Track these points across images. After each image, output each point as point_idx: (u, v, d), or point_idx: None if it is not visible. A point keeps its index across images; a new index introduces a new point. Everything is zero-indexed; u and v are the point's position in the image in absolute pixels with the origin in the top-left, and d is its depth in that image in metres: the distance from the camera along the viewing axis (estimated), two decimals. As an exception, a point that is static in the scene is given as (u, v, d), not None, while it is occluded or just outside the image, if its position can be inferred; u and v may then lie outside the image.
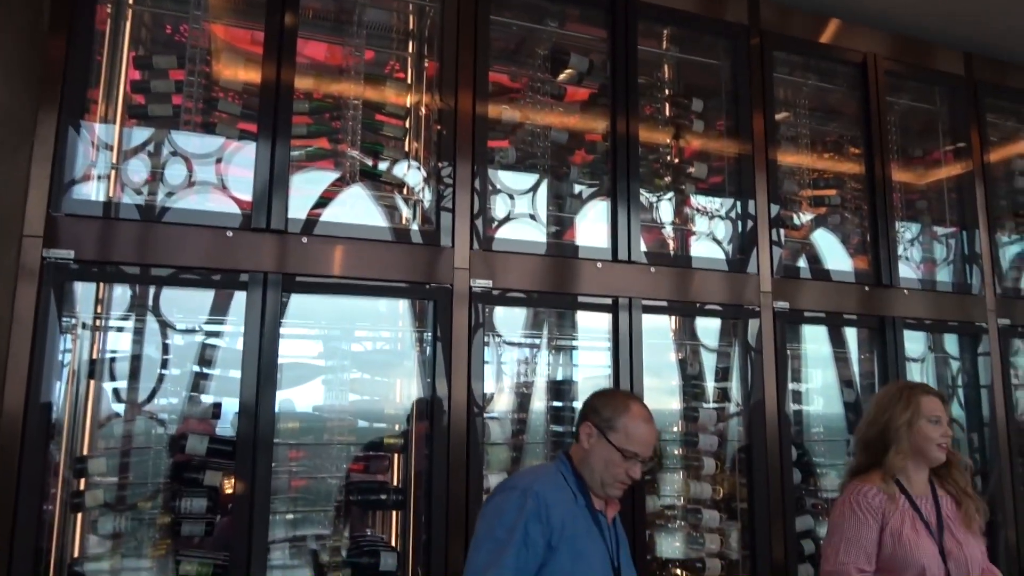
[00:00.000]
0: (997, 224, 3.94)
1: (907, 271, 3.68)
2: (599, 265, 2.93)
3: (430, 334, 2.72)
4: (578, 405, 3.15)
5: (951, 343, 3.85)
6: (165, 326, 2.66)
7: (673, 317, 3.40)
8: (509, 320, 3.14)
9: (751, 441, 3.13)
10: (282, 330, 2.55)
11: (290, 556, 2.71)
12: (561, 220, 3.17)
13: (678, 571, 3.12)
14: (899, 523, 2.03)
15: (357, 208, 2.84)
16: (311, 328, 2.90)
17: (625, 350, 2.91)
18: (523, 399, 3.20)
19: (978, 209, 3.85)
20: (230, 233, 2.46)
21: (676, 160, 3.39)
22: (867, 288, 3.46)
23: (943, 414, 2.12)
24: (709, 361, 3.44)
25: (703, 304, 3.15)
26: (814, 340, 3.72)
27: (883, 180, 3.57)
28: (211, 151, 2.64)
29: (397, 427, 2.85)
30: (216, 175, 2.64)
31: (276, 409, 2.45)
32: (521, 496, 1.71)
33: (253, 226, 2.49)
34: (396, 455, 2.83)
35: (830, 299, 3.41)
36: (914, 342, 3.77)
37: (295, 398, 2.82)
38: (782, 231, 3.35)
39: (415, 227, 2.83)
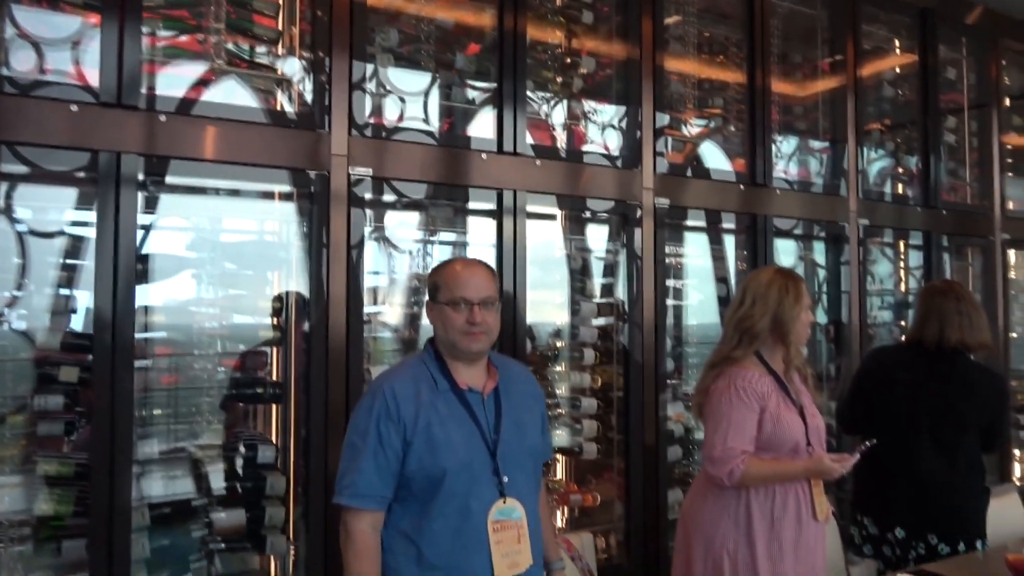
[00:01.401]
0: (865, 134, 4.15)
1: (782, 178, 3.84)
2: (484, 156, 2.87)
3: (307, 226, 2.61)
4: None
5: (819, 252, 4.10)
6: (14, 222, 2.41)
7: (561, 213, 3.41)
8: (396, 218, 3.07)
9: (630, 333, 3.26)
10: (144, 219, 2.36)
11: (165, 457, 2.63)
12: (454, 128, 3.07)
13: (558, 455, 3.27)
14: (775, 405, 2.14)
15: (226, 90, 2.62)
16: (178, 217, 2.71)
17: (509, 243, 2.91)
18: (410, 295, 3.18)
19: (848, 120, 4.03)
20: (75, 107, 2.21)
21: (567, 59, 3.33)
22: (743, 187, 3.59)
23: (811, 302, 2.25)
24: (595, 259, 3.52)
25: (587, 198, 3.17)
26: (694, 244, 3.87)
27: (763, 80, 3.66)
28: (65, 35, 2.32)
29: (276, 321, 2.76)
30: (71, 62, 2.33)
31: (136, 302, 2.30)
32: (371, 398, 1.72)
33: (103, 100, 2.24)
34: (274, 350, 2.76)
35: (709, 197, 3.53)
36: (786, 253, 4.00)
37: (162, 292, 2.65)
38: (669, 139, 3.42)
39: (290, 110, 2.65)
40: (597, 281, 3.50)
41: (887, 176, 4.50)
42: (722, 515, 2.12)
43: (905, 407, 2.51)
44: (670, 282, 3.57)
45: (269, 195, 2.75)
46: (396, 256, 3.09)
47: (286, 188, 2.67)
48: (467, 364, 1.78)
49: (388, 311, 3.05)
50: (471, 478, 1.67)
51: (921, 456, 2.47)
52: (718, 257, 3.98)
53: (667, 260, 3.45)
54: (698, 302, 3.92)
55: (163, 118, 2.33)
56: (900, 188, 4.50)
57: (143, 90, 2.32)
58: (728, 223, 3.79)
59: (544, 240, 3.32)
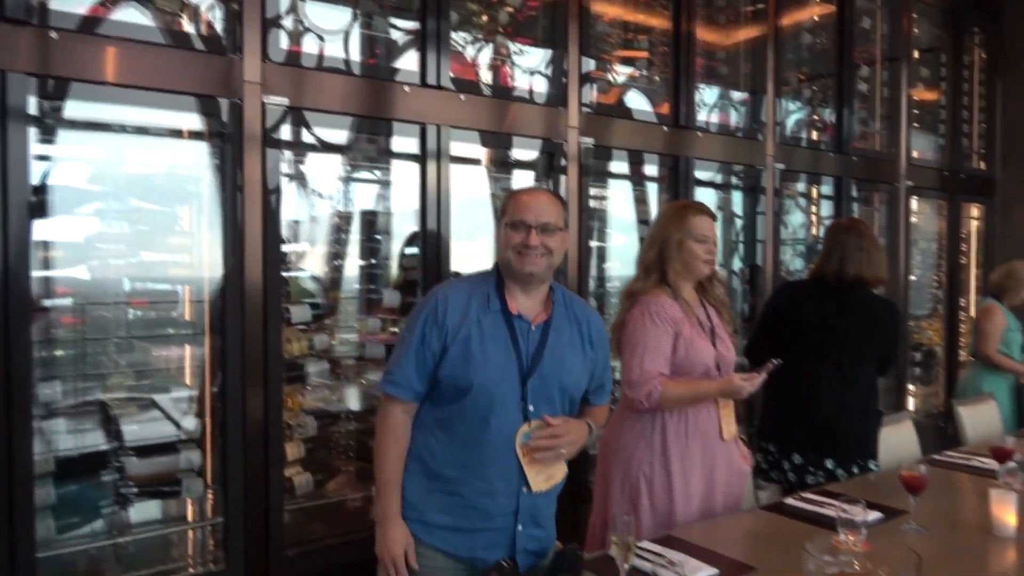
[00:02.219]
0: (783, 83, 4.24)
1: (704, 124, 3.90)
2: (407, 89, 2.78)
3: (219, 160, 2.48)
4: (394, 237, 3.16)
5: (738, 204, 4.20)
6: None
7: (486, 155, 3.36)
8: (316, 159, 2.96)
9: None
10: (43, 150, 2.18)
11: (71, 402, 2.49)
12: (377, 63, 2.95)
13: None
14: (688, 331, 2.20)
15: (129, 16, 2.43)
16: (79, 147, 2.52)
17: (433, 185, 2.85)
18: (332, 234, 3.10)
19: (768, 68, 4.10)
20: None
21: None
22: (666, 129, 3.62)
23: (710, 233, 2.24)
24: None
25: (512, 135, 3.13)
26: (618, 189, 3.90)
27: (688, 25, 3.67)
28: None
29: (188, 259, 2.63)
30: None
31: (33, 237, 2.14)
32: (427, 300, 1.80)
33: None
34: (186, 289, 2.64)
35: (633, 138, 3.54)
36: (706, 202, 4.08)
37: (61, 226, 2.48)
38: (594, 83, 3.40)
39: (196, 33, 2.48)
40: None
41: (803, 125, 4.63)
42: (639, 440, 2.19)
43: (809, 338, 2.62)
44: (594, 224, 3.61)
45: (178, 132, 2.58)
46: (315, 197, 3.00)
47: (197, 122, 2.51)
48: (523, 290, 1.81)
49: (308, 252, 2.96)
50: (497, 397, 1.73)
51: (824, 385, 2.59)
52: (640, 200, 4.04)
53: (591, 204, 3.47)
54: (622, 245, 3.99)
55: (55, 35, 2.14)
56: (815, 135, 4.64)
57: (34, 2, 2.12)
58: (651, 169, 3.84)
59: (470, 185, 3.26)
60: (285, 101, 2.49)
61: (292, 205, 2.89)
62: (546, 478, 1.79)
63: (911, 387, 5.23)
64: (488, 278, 1.83)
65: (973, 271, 5.65)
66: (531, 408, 1.75)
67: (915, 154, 5.11)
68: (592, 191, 3.48)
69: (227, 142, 2.44)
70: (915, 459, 2.76)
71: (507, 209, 1.81)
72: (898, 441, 2.77)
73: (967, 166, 5.51)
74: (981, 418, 3.37)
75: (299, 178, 2.92)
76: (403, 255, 3.18)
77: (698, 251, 2.21)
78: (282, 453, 2.65)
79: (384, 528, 1.75)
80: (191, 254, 2.61)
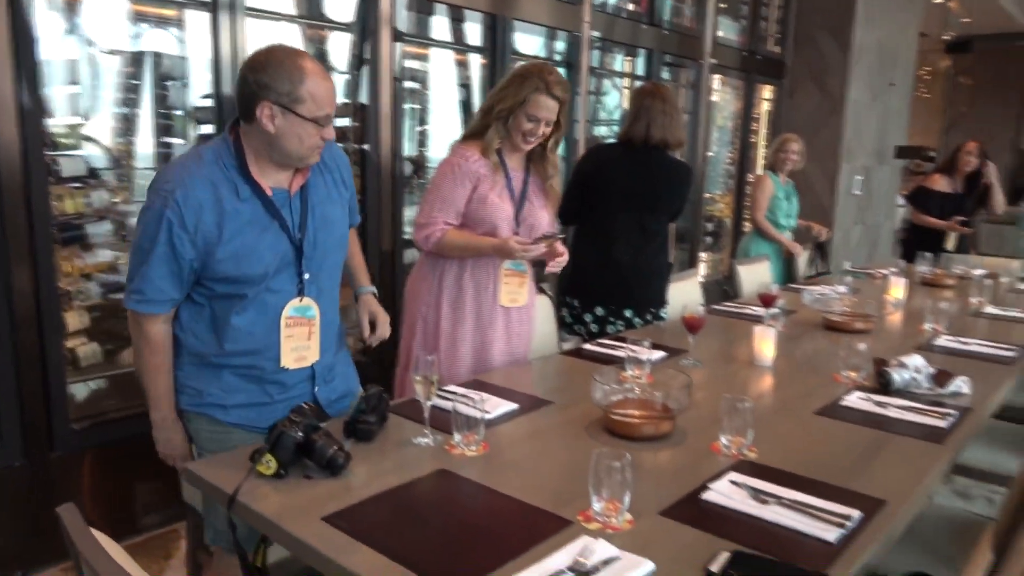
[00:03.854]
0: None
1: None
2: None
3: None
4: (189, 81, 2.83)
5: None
6: None
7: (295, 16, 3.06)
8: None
9: (368, 142, 3.16)
10: None
11: None
12: None
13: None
14: (488, 189, 2.21)
15: None
16: None
17: (227, 38, 2.57)
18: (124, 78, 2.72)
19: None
20: None
21: None
22: (485, -14, 3.48)
23: (547, 115, 2.16)
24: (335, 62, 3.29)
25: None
26: (437, 54, 3.75)
27: None
28: None
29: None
30: None
31: None
32: (161, 202, 1.51)
33: None
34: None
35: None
36: None
37: None
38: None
39: None
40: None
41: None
42: (423, 283, 2.29)
43: (615, 197, 2.75)
44: (410, 84, 3.47)
45: None
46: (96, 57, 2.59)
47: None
48: (279, 166, 1.61)
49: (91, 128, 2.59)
50: (274, 282, 1.62)
51: (626, 240, 2.76)
52: (461, 63, 3.93)
53: (408, 63, 3.33)
54: (440, 109, 3.89)
55: None
56: (631, 7, 4.70)
57: None
58: (473, 25, 3.71)
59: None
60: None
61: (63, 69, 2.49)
62: (297, 358, 1.69)
63: (702, 255, 5.74)
64: (224, 157, 1.57)
65: (761, 149, 6.17)
66: (306, 276, 1.67)
67: (720, 33, 5.36)
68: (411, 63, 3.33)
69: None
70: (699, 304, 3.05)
71: (304, 95, 1.51)
72: (685, 296, 3.03)
73: (763, 48, 5.89)
74: (756, 275, 3.77)
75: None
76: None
77: (524, 126, 2.17)
78: (60, 323, 2.40)
79: (161, 434, 1.69)
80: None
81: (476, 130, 2.25)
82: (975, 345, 2.49)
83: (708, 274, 5.75)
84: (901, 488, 1.39)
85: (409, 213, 3.49)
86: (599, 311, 2.81)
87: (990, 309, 3.12)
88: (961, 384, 1.97)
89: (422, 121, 3.74)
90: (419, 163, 3.64)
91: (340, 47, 3.26)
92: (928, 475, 1.47)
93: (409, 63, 3.49)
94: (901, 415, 1.79)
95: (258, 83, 1.50)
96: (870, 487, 1.38)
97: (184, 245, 1.52)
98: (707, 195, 5.68)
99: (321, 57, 3.22)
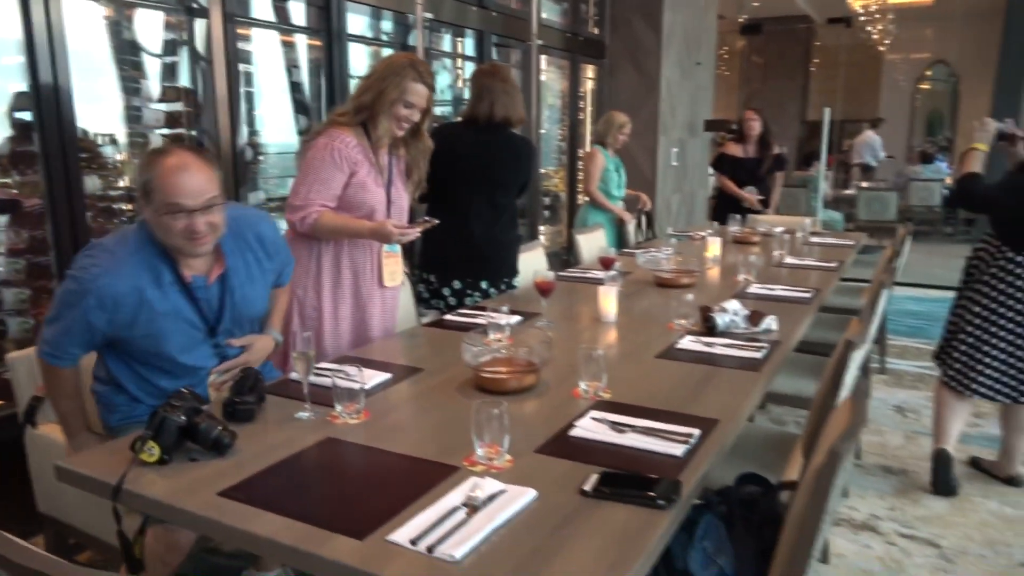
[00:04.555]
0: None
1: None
2: None
3: None
4: None
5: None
6: None
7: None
8: None
9: (201, 125, 3.05)
10: None
11: None
12: None
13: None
14: (364, 174, 2.28)
15: None
16: None
17: (41, 26, 2.39)
18: None
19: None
20: None
21: None
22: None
23: (420, 103, 2.30)
24: (154, 63, 3.14)
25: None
26: (263, 35, 3.66)
27: None
28: None
29: None
30: None
31: None
32: (84, 289, 1.59)
33: None
34: None
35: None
36: (359, 58, 4.03)
37: None
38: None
39: None
40: (155, 66, 3.13)
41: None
42: (297, 264, 2.28)
43: (465, 175, 2.87)
44: (243, 67, 3.38)
45: None
46: None
47: None
48: (188, 255, 1.70)
49: None
50: (189, 358, 1.76)
51: (478, 215, 2.90)
52: (288, 45, 3.87)
53: (238, 46, 3.23)
54: (272, 91, 3.82)
55: None
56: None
57: None
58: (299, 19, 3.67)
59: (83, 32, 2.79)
60: None
61: None
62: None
63: (541, 228, 6.04)
64: (146, 246, 1.66)
65: (588, 125, 6.55)
66: (224, 344, 1.82)
67: (544, 14, 5.61)
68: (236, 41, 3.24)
69: None
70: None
71: (155, 185, 1.58)
72: (533, 264, 3.23)
73: (585, 30, 6.23)
74: (593, 243, 4.06)
75: None
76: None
77: (401, 113, 2.28)
78: None
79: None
80: None
81: (354, 119, 2.28)
82: (780, 290, 2.89)
83: (548, 246, 6.05)
84: (729, 408, 1.65)
85: (253, 199, 3.42)
86: (456, 285, 2.93)
87: (789, 260, 3.60)
88: (771, 322, 2.30)
89: (252, 105, 3.66)
90: (255, 148, 3.56)
91: (153, 26, 3.11)
92: (750, 396, 1.75)
93: (238, 45, 3.39)
94: (725, 351, 2.08)
95: (136, 180, 1.71)
96: (705, 411, 1.62)
97: (100, 321, 1.62)
98: (542, 171, 5.96)
99: (125, 35, 3.06)
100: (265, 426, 1.59)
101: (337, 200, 2.26)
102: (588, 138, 6.56)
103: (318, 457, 1.44)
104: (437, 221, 2.39)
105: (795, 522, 1.19)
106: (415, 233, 2.31)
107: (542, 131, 5.89)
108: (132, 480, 1.32)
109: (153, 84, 3.17)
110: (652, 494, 1.21)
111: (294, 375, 1.71)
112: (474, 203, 2.90)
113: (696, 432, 1.48)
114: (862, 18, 10.99)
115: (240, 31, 3.35)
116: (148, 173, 1.60)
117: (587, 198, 4.65)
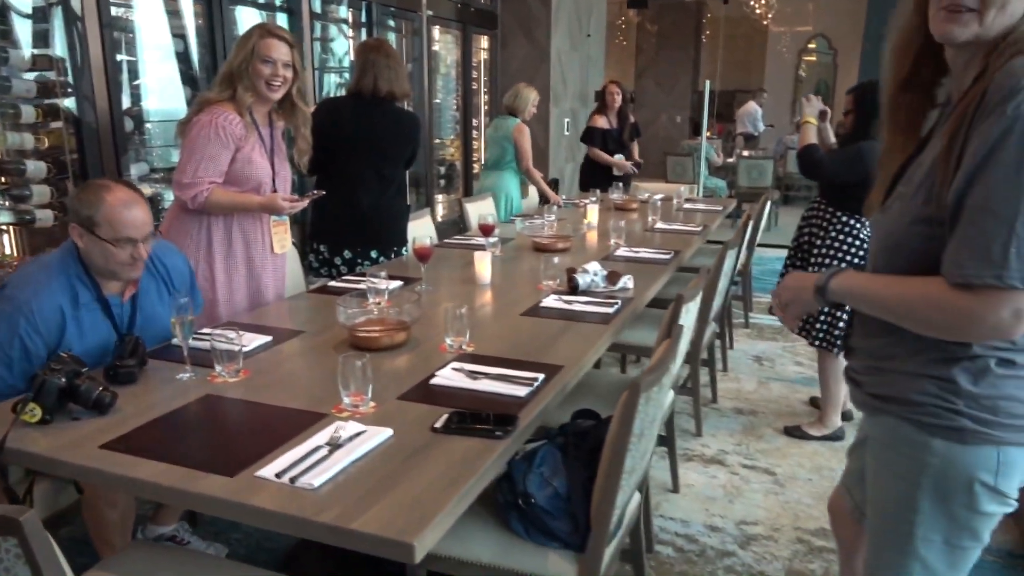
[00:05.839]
0: None
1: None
2: None
3: None
4: None
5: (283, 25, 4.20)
6: None
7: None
8: None
9: (77, 95, 3.01)
10: None
11: None
12: None
13: (4, 227, 2.95)
14: (249, 148, 2.34)
15: None
16: None
17: None
18: None
19: None
20: None
21: None
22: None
23: (279, 56, 2.32)
24: (24, 29, 3.05)
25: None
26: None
27: None
28: None
29: None
30: None
31: None
32: (15, 312, 1.74)
33: None
34: None
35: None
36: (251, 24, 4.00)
37: None
38: None
39: None
40: (23, 30, 3.05)
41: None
42: (186, 237, 2.38)
43: (352, 147, 2.98)
44: (123, 34, 3.33)
45: None
46: None
47: None
48: (107, 276, 1.86)
49: None
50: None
51: (366, 186, 3.01)
52: (173, 11, 3.80)
53: (115, 13, 3.18)
54: (155, 61, 3.75)
55: None
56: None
57: None
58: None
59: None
60: None
61: None
62: None
63: (439, 197, 6.17)
64: (69, 264, 1.83)
65: (483, 95, 6.69)
66: None
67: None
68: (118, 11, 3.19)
69: None
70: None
71: (102, 220, 1.77)
72: (422, 232, 3.38)
73: (476, 1, 6.33)
74: (481, 210, 4.24)
75: None
76: None
77: (263, 71, 2.31)
78: None
79: None
80: None
81: (224, 95, 2.33)
82: (644, 252, 3.16)
83: (446, 214, 6.20)
84: (574, 356, 1.88)
85: (136, 170, 3.40)
86: (347, 254, 3.05)
87: (660, 225, 3.89)
88: (626, 281, 2.55)
89: (135, 74, 3.60)
90: (139, 118, 3.52)
91: None
92: (595, 345, 1.98)
93: (116, 11, 3.33)
94: (583, 308, 2.32)
95: (70, 208, 1.85)
96: (553, 359, 1.85)
97: (37, 345, 1.74)
98: (437, 141, 6.08)
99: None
100: (147, 387, 1.70)
101: (224, 176, 2.33)
102: (483, 107, 6.71)
103: (196, 411, 1.57)
104: (324, 192, 2.50)
105: (608, 446, 1.43)
106: (303, 204, 2.44)
107: (436, 101, 6.00)
108: (16, 439, 1.42)
109: (24, 52, 3.09)
110: (491, 427, 1.42)
111: (176, 340, 1.82)
112: (362, 175, 3.02)
113: (541, 376, 1.70)
114: (745, -7, 11.52)
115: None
116: (92, 208, 1.79)
117: (487, 167, 4.73)
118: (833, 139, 3.29)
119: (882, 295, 1.15)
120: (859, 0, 10.25)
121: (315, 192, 2.47)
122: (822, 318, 3.05)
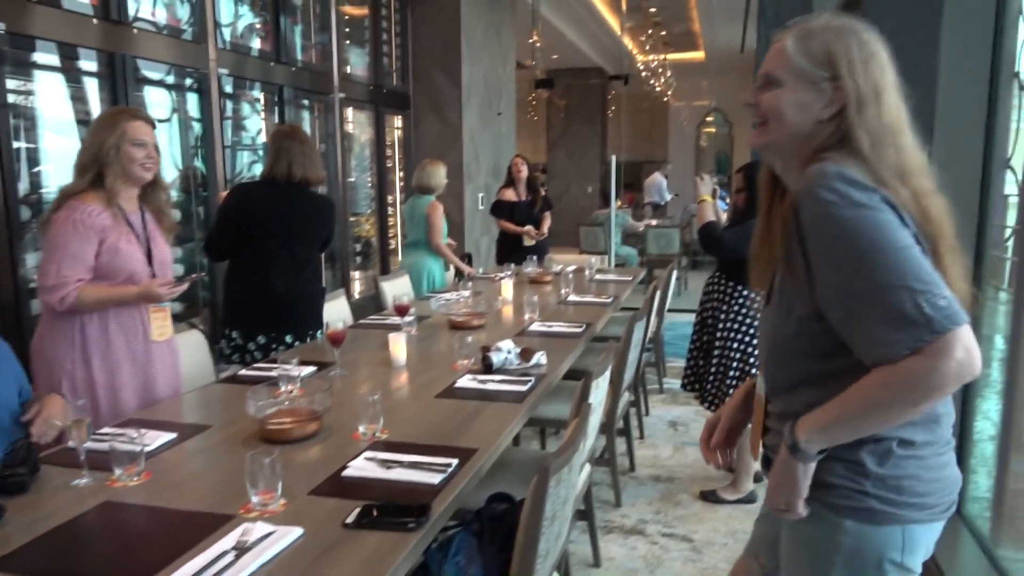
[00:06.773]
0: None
1: (149, 20, 3.76)
2: None
3: None
4: None
5: (193, 106, 4.18)
6: None
7: None
8: None
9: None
10: None
11: None
12: None
13: None
14: (116, 238, 2.25)
15: None
16: None
17: None
18: None
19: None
20: None
21: None
22: (97, 21, 3.41)
23: (149, 138, 2.30)
24: None
25: None
26: (50, 83, 3.53)
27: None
28: None
29: None
30: None
31: None
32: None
33: None
34: None
35: (59, 29, 3.25)
36: (160, 105, 3.97)
37: None
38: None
39: None
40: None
41: (253, 31, 4.81)
42: (60, 341, 2.24)
43: (266, 232, 2.97)
44: (16, 122, 3.24)
45: None
46: None
47: None
48: None
49: None
50: None
51: (280, 271, 2.99)
52: (78, 98, 3.75)
53: (13, 100, 3.12)
54: (60, 148, 3.67)
55: None
56: (261, 44, 4.89)
57: None
58: (90, 64, 3.58)
59: None
60: None
61: None
62: None
63: (355, 273, 6.15)
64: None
65: (398, 173, 6.79)
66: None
67: (348, 68, 5.81)
68: (14, 84, 3.12)
69: None
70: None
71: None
72: (336, 313, 3.37)
73: (388, 82, 6.50)
74: (397, 289, 4.26)
75: None
76: None
77: (136, 155, 2.27)
78: None
79: None
80: None
81: (84, 185, 2.25)
82: (557, 327, 3.25)
83: (363, 291, 6.17)
84: (489, 437, 1.90)
85: (32, 260, 3.27)
86: (261, 339, 3.00)
87: (573, 297, 4.01)
88: (540, 357, 2.61)
89: (33, 162, 3.50)
90: (36, 206, 3.41)
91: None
92: (509, 425, 2.01)
93: (14, 98, 3.26)
94: (497, 387, 2.35)
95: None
96: (467, 441, 1.86)
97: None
98: (352, 217, 6.10)
99: None
100: (39, 496, 1.61)
101: (92, 271, 2.22)
102: (398, 183, 6.80)
103: (94, 521, 1.50)
104: (205, 275, 2.46)
105: (521, 531, 1.44)
106: (183, 287, 2.38)
107: (351, 179, 6.05)
108: None
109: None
110: (403, 519, 1.42)
111: (72, 443, 1.74)
112: (276, 259, 3.00)
113: (455, 461, 1.71)
114: (644, 74, 12.25)
115: (16, 85, 3.23)
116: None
117: (413, 245, 4.77)
118: (724, 217, 3.50)
119: (848, 413, 1.13)
120: (748, 77, 11.07)
121: (195, 275, 2.42)
122: (711, 379, 3.20)
